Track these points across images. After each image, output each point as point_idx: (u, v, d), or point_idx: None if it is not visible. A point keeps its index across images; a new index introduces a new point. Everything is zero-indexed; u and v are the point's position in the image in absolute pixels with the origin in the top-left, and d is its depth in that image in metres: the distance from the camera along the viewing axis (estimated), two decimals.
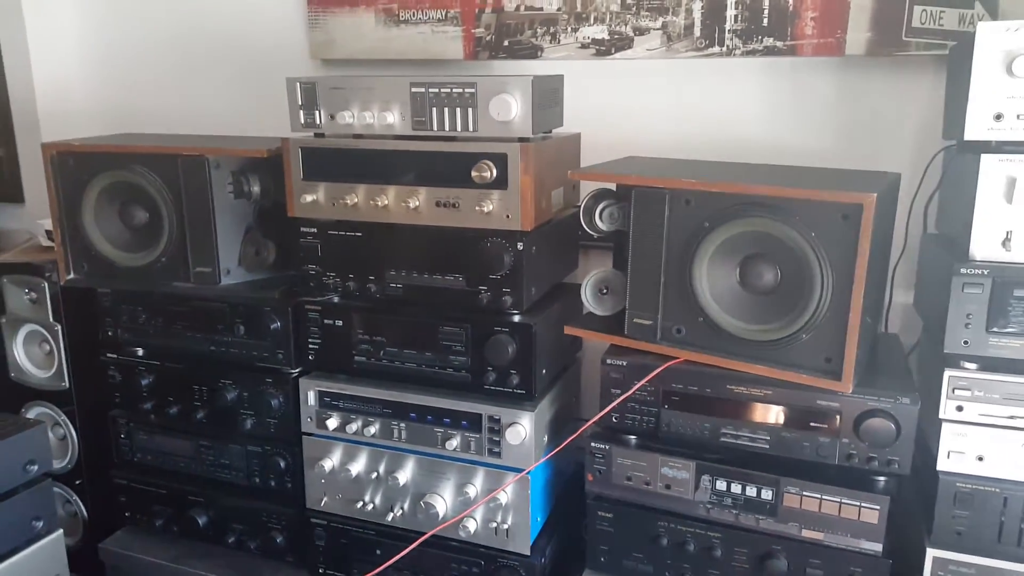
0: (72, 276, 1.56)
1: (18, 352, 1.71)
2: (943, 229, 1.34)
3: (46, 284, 1.63)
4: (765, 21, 1.45)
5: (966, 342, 1.11)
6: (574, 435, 1.33)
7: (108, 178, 1.48)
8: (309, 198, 1.38)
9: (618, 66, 1.60)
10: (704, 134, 1.57)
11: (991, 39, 1.08)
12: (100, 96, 2.08)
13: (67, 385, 1.68)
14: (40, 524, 1.41)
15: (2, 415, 1.49)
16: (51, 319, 1.65)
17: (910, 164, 1.40)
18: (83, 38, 2.05)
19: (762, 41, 1.46)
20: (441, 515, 1.40)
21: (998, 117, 1.09)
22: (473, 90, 1.27)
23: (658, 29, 1.52)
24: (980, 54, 1.08)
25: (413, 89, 1.30)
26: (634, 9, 1.53)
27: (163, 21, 1.98)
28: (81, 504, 1.76)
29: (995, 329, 1.10)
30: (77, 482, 1.75)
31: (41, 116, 1.98)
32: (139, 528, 1.68)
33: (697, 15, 1.49)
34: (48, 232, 1.65)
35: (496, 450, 1.37)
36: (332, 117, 1.35)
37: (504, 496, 1.37)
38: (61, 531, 1.46)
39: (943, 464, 1.15)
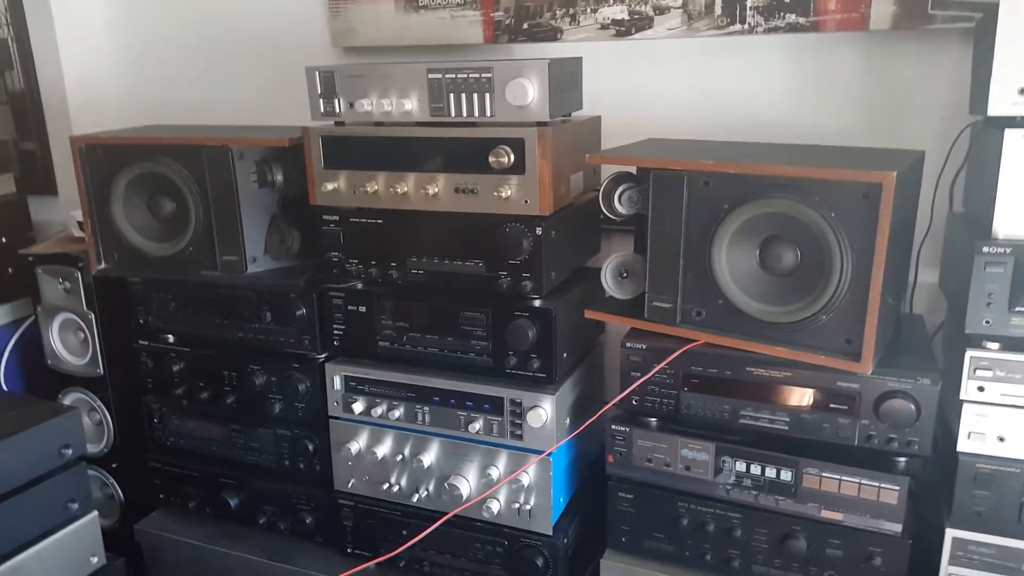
0: (103, 266, 1.63)
1: (54, 340, 1.79)
2: (969, 208, 1.33)
3: (79, 274, 1.70)
4: None
5: (988, 322, 1.12)
6: (593, 418, 1.36)
7: (135, 169, 1.54)
8: (330, 186, 1.42)
9: (638, 47, 1.61)
10: (726, 114, 1.58)
11: (1016, 11, 1.07)
12: (128, 88, 2.14)
13: (102, 372, 1.76)
14: (75, 506, 1.49)
15: (37, 401, 1.57)
16: (85, 308, 1.72)
17: (937, 141, 1.39)
18: (110, 32, 2.12)
19: (784, 17, 1.46)
20: (465, 496, 1.45)
21: (1023, 91, 1.08)
22: (490, 75, 1.30)
23: (678, 8, 1.53)
24: (1004, 26, 1.08)
25: (430, 75, 1.33)
26: None
27: (187, 14, 2.03)
28: (117, 486, 1.85)
29: (1018, 308, 1.10)
30: (113, 465, 1.83)
31: (72, 110, 2.05)
32: (173, 510, 1.76)
33: None
34: (80, 223, 1.72)
35: (518, 433, 1.41)
36: (351, 105, 1.39)
37: (526, 477, 1.41)
38: (96, 513, 1.54)
39: (963, 445, 1.16)
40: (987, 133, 1.18)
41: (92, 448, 1.80)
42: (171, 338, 1.67)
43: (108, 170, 1.55)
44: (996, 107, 1.10)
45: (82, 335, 1.77)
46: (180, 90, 2.08)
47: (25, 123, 2.12)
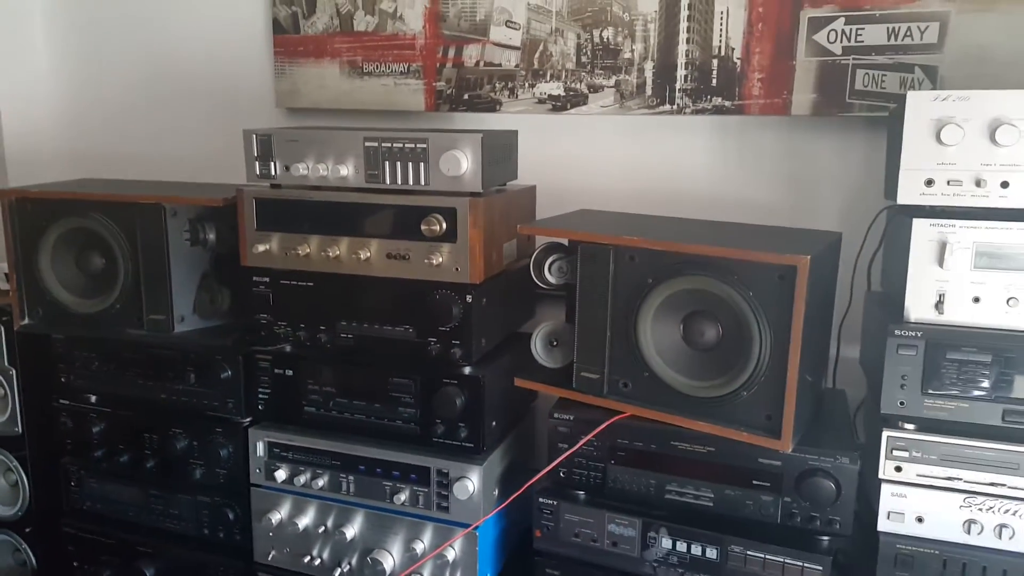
0: (27, 321, 1.56)
1: None
2: (886, 287, 1.36)
3: (2, 328, 1.63)
4: (714, 81, 1.49)
5: (902, 403, 1.12)
6: (519, 491, 1.32)
7: (65, 224, 1.50)
8: (262, 248, 1.40)
9: (574, 121, 1.64)
10: (656, 187, 1.60)
11: (921, 107, 1.11)
12: (68, 140, 2.10)
13: (20, 430, 1.67)
14: None
15: None
16: (6, 363, 1.65)
17: (855, 221, 1.43)
18: (52, 83, 2.09)
19: (711, 100, 1.50)
20: (389, 571, 1.39)
21: (929, 183, 1.12)
22: (425, 145, 1.30)
23: (611, 87, 1.56)
24: (911, 121, 1.12)
25: (367, 143, 1.33)
26: (588, 67, 1.57)
27: (133, 67, 2.02)
28: (30, 552, 1.73)
29: (930, 391, 1.11)
30: (27, 530, 1.72)
31: (8, 158, 2.00)
32: None
33: (649, 74, 1.53)
34: (6, 275, 1.66)
35: (444, 504, 1.36)
36: (287, 168, 1.38)
37: (452, 552, 1.36)
38: None
39: (883, 525, 1.16)
40: (899, 219, 1.21)
41: (6, 511, 1.70)
42: (93, 398, 1.60)
43: (37, 224, 1.51)
44: (905, 196, 1.13)
45: (2, 391, 1.68)
46: (122, 142, 2.05)
47: None
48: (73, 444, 1.61)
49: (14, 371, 1.65)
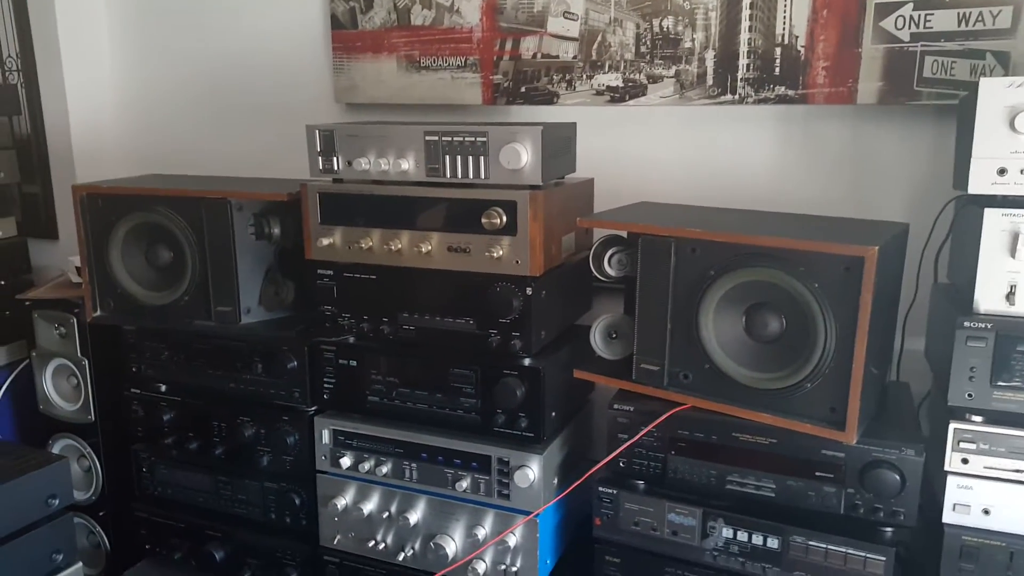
0: (99, 313, 1.66)
1: (47, 385, 1.82)
2: (953, 279, 1.37)
3: (75, 320, 1.74)
4: (777, 70, 1.51)
5: (970, 395, 1.14)
6: (578, 481, 1.37)
7: (135, 219, 1.58)
8: (325, 241, 1.46)
9: (632, 112, 1.67)
10: (716, 180, 1.63)
11: (994, 94, 1.12)
12: (132, 136, 2.21)
13: (93, 418, 1.78)
14: (60, 557, 1.49)
15: (26, 449, 1.58)
16: (79, 354, 1.75)
17: (921, 213, 1.43)
18: (118, 81, 2.19)
19: (774, 89, 1.52)
20: (451, 556, 1.45)
21: (1002, 172, 1.13)
22: (485, 139, 1.35)
23: (671, 77, 1.59)
24: (983, 109, 1.13)
25: (427, 137, 1.38)
26: (648, 58, 1.60)
27: (195, 66, 2.11)
28: (104, 535, 1.85)
29: (999, 383, 1.13)
30: (100, 513, 1.84)
31: (76, 155, 2.11)
32: (159, 561, 1.75)
33: (710, 64, 1.55)
34: (78, 268, 1.76)
35: (505, 492, 1.42)
36: (349, 163, 1.44)
37: (513, 538, 1.41)
38: (80, 564, 1.54)
39: (949, 517, 1.18)
40: (969, 209, 1.22)
41: (80, 495, 1.81)
42: (163, 387, 1.69)
43: (108, 219, 1.60)
44: (976, 186, 1.14)
45: (75, 381, 1.79)
46: (184, 140, 2.15)
47: (30, 167, 2.18)
48: (144, 432, 1.71)
49: (87, 361, 1.75)
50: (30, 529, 1.45)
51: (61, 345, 1.77)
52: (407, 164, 1.41)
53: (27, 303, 1.80)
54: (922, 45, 1.42)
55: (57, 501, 1.49)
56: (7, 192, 2.03)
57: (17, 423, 1.97)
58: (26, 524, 1.45)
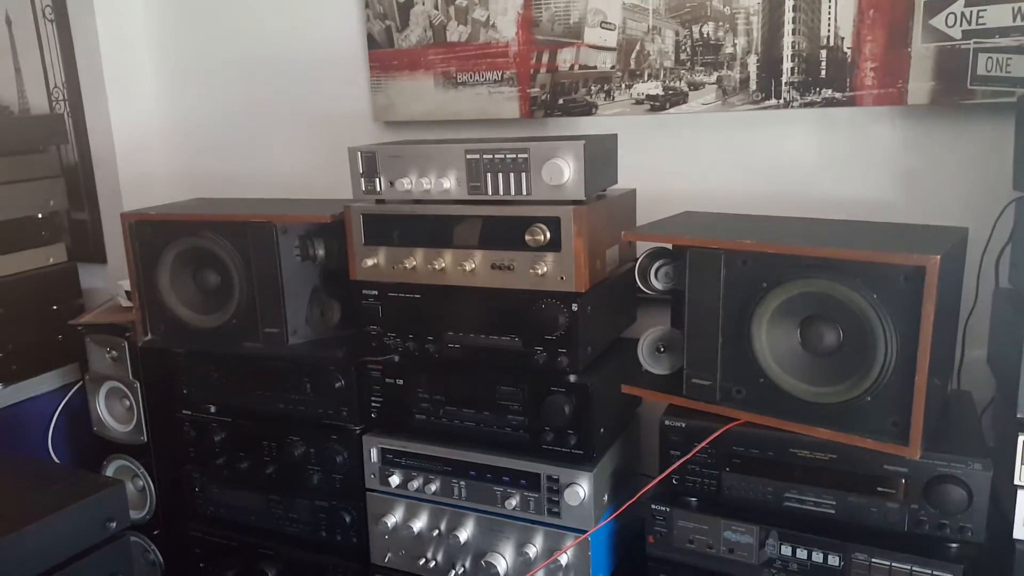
0: (149, 337, 1.68)
1: (101, 407, 1.86)
2: (1016, 284, 1.32)
3: (126, 344, 1.77)
4: (823, 72, 1.47)
5: None
6: (632, 500, 1.35)
7: (182, 244, 1.60)
8: (370, 262, 1.46)
9: (673, 120, 1.64)
10: (763, 186, 1.59)
11: None
12: (177, 160, 2.24)
13: (146, 439, 1.81)
14: None
15: (83, 473, 1.61)
16: (131, 376, 1.79)
17: (979, 215, 1.38)
18: (160, 106, 2.23)
19: (820, 92, 1.48)
20: (502, 574, 1.44)
21: None
22: (526, 155, 1.34)
23: (713, 83, 1.56)
24: None
25: (468, 156, 1.38)
26: (688, 64, 1.57)
27: (234, 90, 2.13)
28: (159, 553, 1.88)
29: None
30: (155, 532, 1.87)
31: (122, 181, 2.15)
32: None
33: (752, 69, 1.52)
34: (127, 292, 1.79)
35: (555, 510, 1.40)
36: (391, 184, 1.44)
37: (565, 557, 1.40)
38: None
39: (1020, 532, 1.13)
40: None
41: (135, 514, 1.84)
42: (213, 408, 1.71)
43: (156, 245, 1.62)
44: None
45: (127, 403, 1.82)
46: (228, 162, 2.18)
47: (77, 194, 2.23)
48: (196, 452, 1.74)
49: (138, 384, 1.78)
50: (90, 552, 1.47)
51: (113, 368, 1.81)
52: (449, 183, 1.40)
53: (79, 328, 1.84)
54: (975, 42, 1.37)
55: (115, 524, 1.51)
56: (57, 219, 2.07)
57: (72, 444, 2.02)
58: (86, 547, 1.47)
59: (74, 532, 1.45)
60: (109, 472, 1.87)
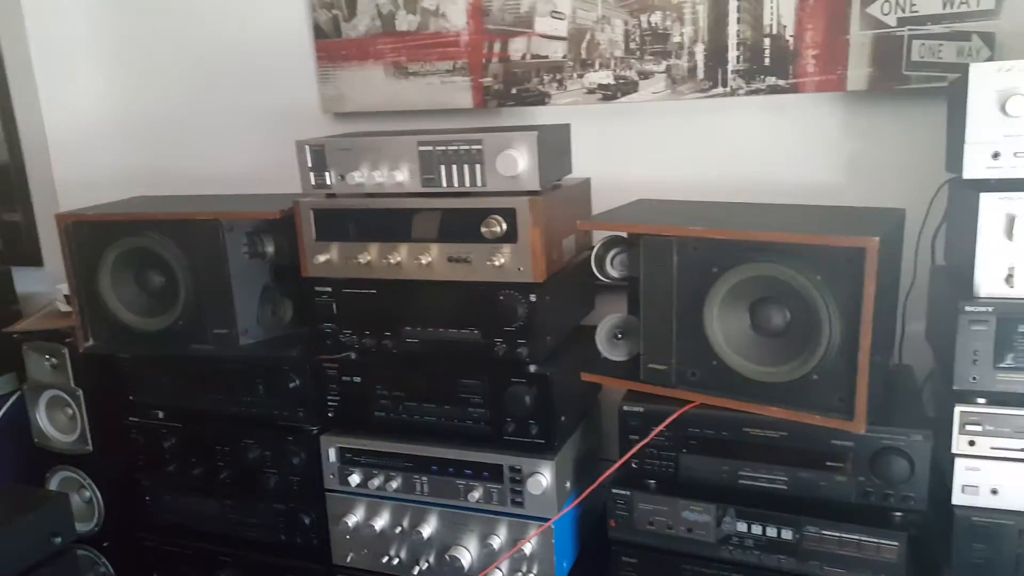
0: (91, 343, 1.68)
1: (41, 417, 1.84)
2: (951, 261, 1.43)
3: (67, 350, 1.76)
4: (767, 61, 1.56)
5: (974, 378, 1.20)
6: (592, 486, 1.43)
7: (123, 245, 1.60)
8: (322, 258, 1.50)
9: (625, 109, 1.72)
10: (714, 173, 1.68)
11: (985, 79, 1.17)
12: (116, 157, 2.22)
13: (91, 448, 1.80)
14: None
15: (24, 488, 1.60)
16: (73, 384, 1.78)
17: (916, 196, 1.49)
18: (97, 101, 2.20)
19: (764, 80, 1.57)
20: (467, 567, 1.50)
21: (995, 155, 1.18)
22: (480, 147, 1.38)
23: (662, 72, 1.64)
24: (974, 94, 1.18)
25: (421, 148, 1.42)
26: (638, 54, 1.65)
27: (178, 83, 2.12)
28: (109, 565, 1.88)
29: (1002, 365, 1.19)
30: (104, 544, 1.87)
31: (57, 180, 2.13)
32: None
33: (700, 57, 1.60)
34: (67, 296, 1.78)
35: (519, 500, 1.47)
36: (342, 177, 1.47)
37: (529, 546, 1.47)
38: None
39: (958, 498, 1.24)
40: (964, 192, 1.28)
41: (82, 527, 1.83)
42: (161, 414, 1.72)
43: (95, 246, 1.62)
44: (971, 171, 1.19)
45: (70, 411, 1.81)
46: (172, 159, 2.17)
47: (9, 194, 2.19)
48: (145, 460, 1.74)
49: (81, 392, 1.78)
50: (36, 569, 1.47)
51: (53, 376, 1.80)
52: (402, 175, 1.44)
53: (15, 335, 1.82)
54: (909, 29, 1.48)
55: (60, 539, 1.51)
56: None
57: (12, 458, 1.98)
58: (31, 564, 1.46)
59: (18, 550, 1.45)
60: (53, 485, 1.86)
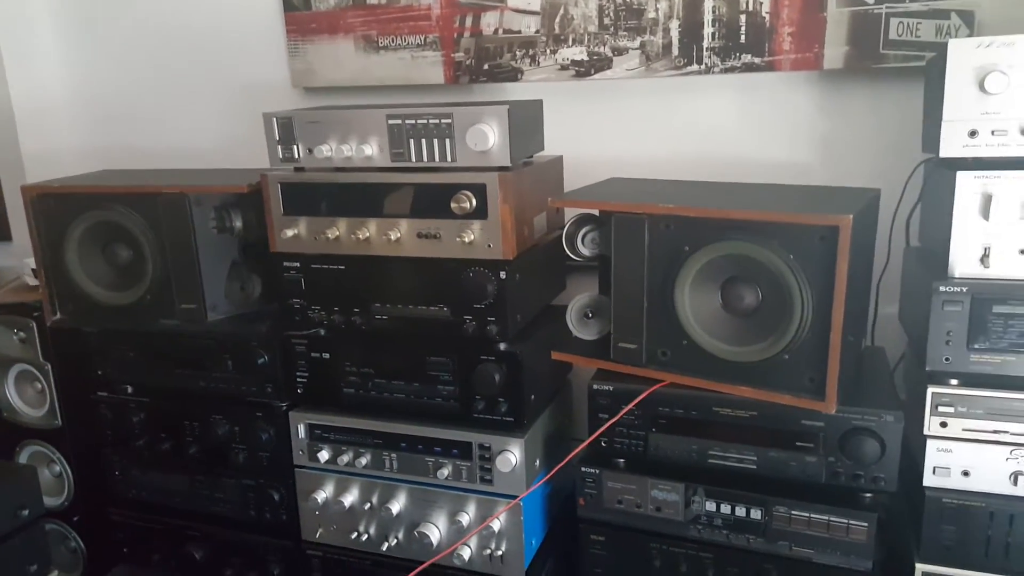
0: (58, 316, 1.59)
1: (10, 392, 1.74)
2: (925, 242, 1.36)
3: (35, 324, 1.66)
4: (742, 38, 1.47)
5: (947, 359, 1.13)
6: (561, 464, 1.35)
7: (90, 218, 1.51)
8: (290, 233, 1.40)
9: (599, 86, 1.62)
10: (686, 150, 1.59)
11: (963, 55, 1.10)
12: (84, 131, 2.10)
13: (60, 423, 1.71)
14: (35, 568, 1.44)
15: None
16: (41, 358, 1.68)
17: (891, 176, 1.41)
18: (66, 74, 2.08)
19: (740, 58, 1.48)
20: (435, 544, 1.42)
21: (973, 134, 1.11)
22: (450, 120, 1.29)
23: (636, 49, 1.54)
24: (952, 71, 1.10)
25: (390, 121, 1.33)
26: (612, 30, 1.55)
27: (146, 57, 2.00)
28: (79, 540, 1.79)
29: (976, 346, 1.12)
30: (75, 519, 1.78)
31: (24, 153, 2.01)
32: (138, 564, 1.70)
33: (675, 34, 1.51)
34: (34, 270, 1.68)
35: (488, 478, 1.39)
36: (311, 151, 1.38)
37: (497, 523, 1.39)
38: (56, 573, 1.49)
39: (929, 480, 1.17)
40: (940, 172, 1.20)
41: (52, 501, 1.74)
42: (130, 388, 1.63)
43: (62, 219, 1.52)
44: (947, 149, 1.12)
45: (39, 386, 1.72)
46: (140, 134, 2.05)
47: None
48: (114, 434, 1.65)
49: (49, 366, 1.68)
50: (2, 541, 1.39)
51: (22, 350, 1.70)
52: (371, 150, 1.35)
53: None
54: (887, 7, 1.39)
55: (27, 512, 1.44)
56: None
57: None
58: None
59: None
60: (23, 459, 1.76)
